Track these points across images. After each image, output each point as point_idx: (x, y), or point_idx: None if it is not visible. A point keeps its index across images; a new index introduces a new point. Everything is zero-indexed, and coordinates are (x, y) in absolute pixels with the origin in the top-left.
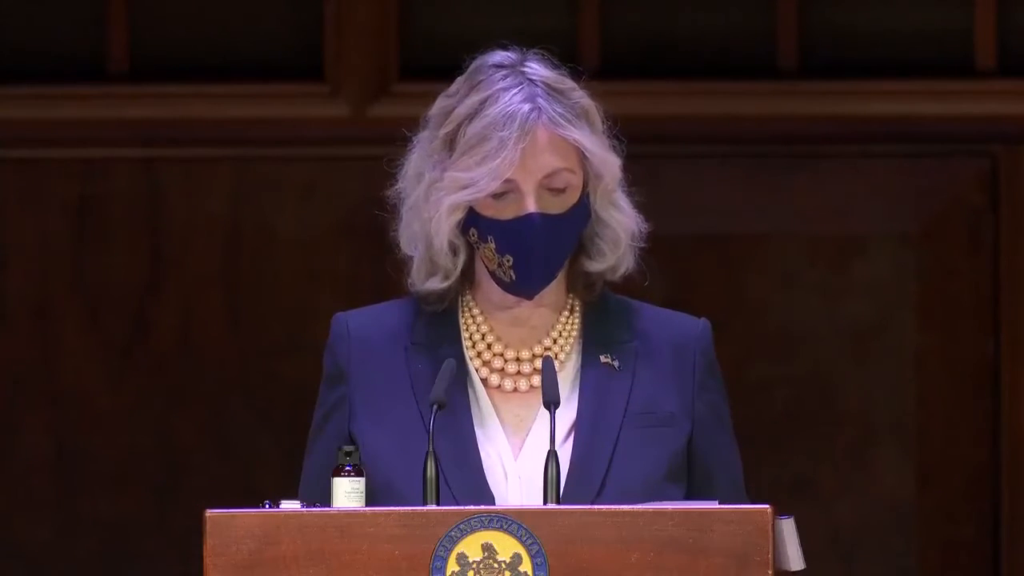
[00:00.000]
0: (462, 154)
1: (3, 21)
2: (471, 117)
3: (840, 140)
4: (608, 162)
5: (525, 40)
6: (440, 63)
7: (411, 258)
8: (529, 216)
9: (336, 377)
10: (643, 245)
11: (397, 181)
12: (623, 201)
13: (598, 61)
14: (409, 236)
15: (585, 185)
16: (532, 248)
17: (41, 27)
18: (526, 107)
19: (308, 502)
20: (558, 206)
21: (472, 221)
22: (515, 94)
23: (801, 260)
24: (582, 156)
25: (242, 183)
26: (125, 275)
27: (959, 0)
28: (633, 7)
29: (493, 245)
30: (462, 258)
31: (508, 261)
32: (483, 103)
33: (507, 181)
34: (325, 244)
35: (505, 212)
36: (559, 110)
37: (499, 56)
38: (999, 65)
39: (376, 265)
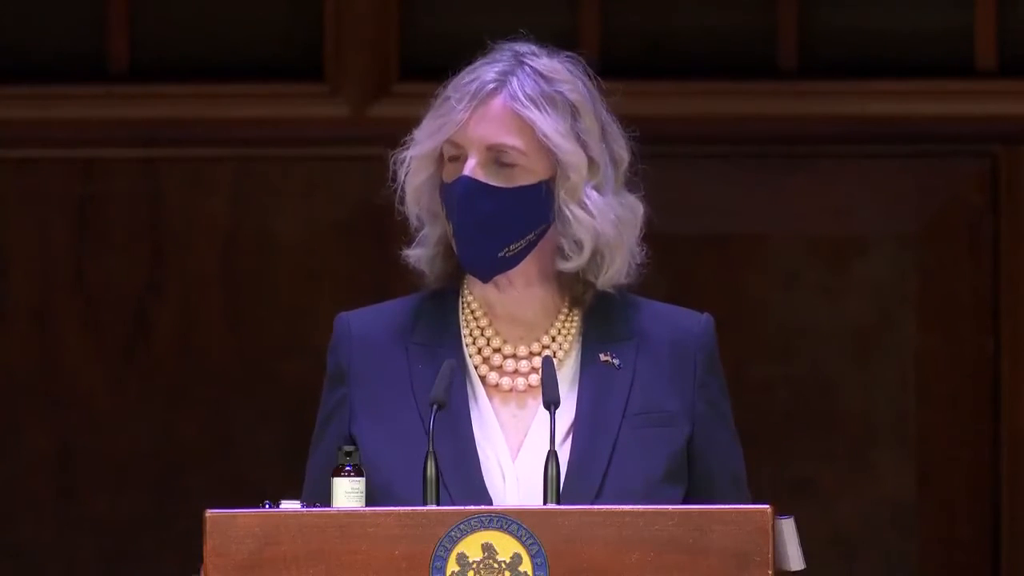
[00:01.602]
0: (428, 118)
1: (3, 21)
2: (450, 88)
3: (840, 140)
4: (570, 154)
5: (525, 40)
6: (440, 63)
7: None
8: (460, 178)
9: (337, 378)
10: (633, 256)
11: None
12: (593, 202)
13: (598, 61)
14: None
15: (554, 177)
16: (460, 211)
17: (41, 27)
18: (491, 77)
19: (310, 503)
20: (503, 181)
21: (440, 192)
22: (491, 67)
23: (801, 260)
24: (545, 143)
25: (242, 183)
26: (125, 275)
27: (959, 0)
28: (633, 7)
29: (445, 212)
30: (439, 227)
31: (451, 228)
32: (465, 75)
33: (455, 145)
34: (325, 244)
35: (451, 176)
36: (528, 90)
37: (521, 44)
38: (999, 65)
39: (376, 265)
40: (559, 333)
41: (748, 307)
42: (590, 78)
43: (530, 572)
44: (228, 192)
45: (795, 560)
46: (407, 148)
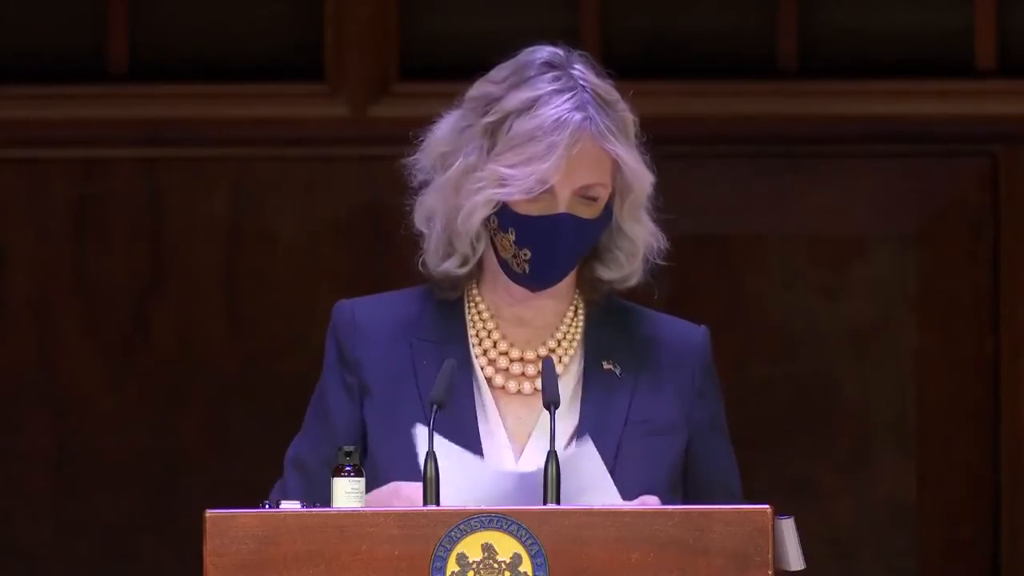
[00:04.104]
0: (507, 149)
1: (3, 21)
2: (519, 113)
3: (840, 140)
4: (642, 177)
5: (525, 40)
6: (440, 63)
7: (424, 235)
8: (561, 216)
9: (345, 363)
10: (660, 262)
11: (416, 152)
12: (646, 216)
13: (599, 61)
14: (427, 213)
15: (612, 195)
16: (556, 247)
17: (41, 27)
18: (578, 116)
19: (308, 491)
20: (588, 213)
21: (496, 210)
22: (567, 99)
23: (801, 260)
24: (616, 168)
25: (242, 183)
26: (125, 275)
27: (959, 0)
28: (633, 7)
29: (513, 236)
30: (482, 245)
31: (525, 255)
32: (534, 102)
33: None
34: (325, 244)
35: (533, 208)
36: (607, 122)
37: (547, 53)
38: (999, 65)
39: (376, 265)
40: (564, 337)
41: (748, 307)
42: (600, 74)
43: (530, 572)
44: (228, 192)
45: (795, 560)
46: (500, 185)
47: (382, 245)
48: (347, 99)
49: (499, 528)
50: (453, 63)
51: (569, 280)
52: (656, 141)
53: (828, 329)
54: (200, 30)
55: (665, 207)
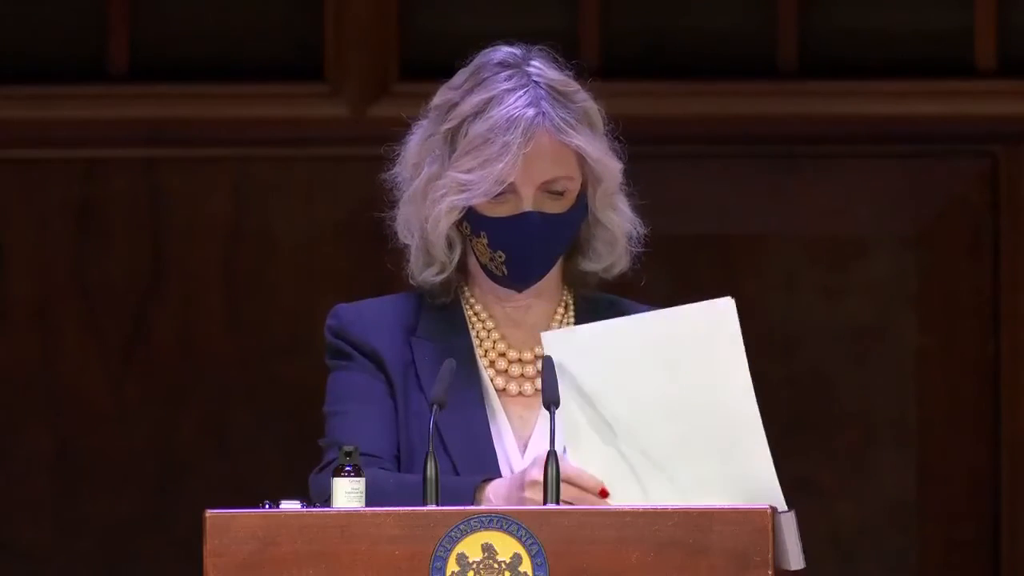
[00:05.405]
0: (463, 154)
1: (3, 21)
2: (474, 116)
3: (840, 140)
4: (608, 166)
5: (525, 40)
6: (440, 63)
7: (408, 247)
8: (527, 214)
9: (365, 351)
10: (640, 248)
11: (394, 166)
12: (621, 203)
13: (598, 61)
14: (405, 226)
15: (584, 186)
16: (527, 246)
17: (41, 27)
18: (530, 112)
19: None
20: (556, 207)
21: (466, 215)
22: (520, 96)
23: (801, 260)
24: (582, 160)
25: (242, 183)
26: (125, 275)
27: (959, 0)
28: (633, 7)
29: (486, 240)
30: (458, 251)
31: (500, 257)
32: (487, 103)
33: (506, 184)
34: (325, 244)
35: (500, 210)
36: (563, 115)
37: (503, 53)
38: (999, 65)
39: (376, 265)
40: None
41: (748, 307)
42: (560, 68)
43: (530, 572)
44: (228, 192)
45: (795, 558)
46: (461, 191)
47: (382, 245)
48: (347, 99)
49: (499, 528)
50: (453, 63)
51: (556, 276)
52: (656, 141)
53: (828, 329)
54: (200, 30)
55: (665, 207)
